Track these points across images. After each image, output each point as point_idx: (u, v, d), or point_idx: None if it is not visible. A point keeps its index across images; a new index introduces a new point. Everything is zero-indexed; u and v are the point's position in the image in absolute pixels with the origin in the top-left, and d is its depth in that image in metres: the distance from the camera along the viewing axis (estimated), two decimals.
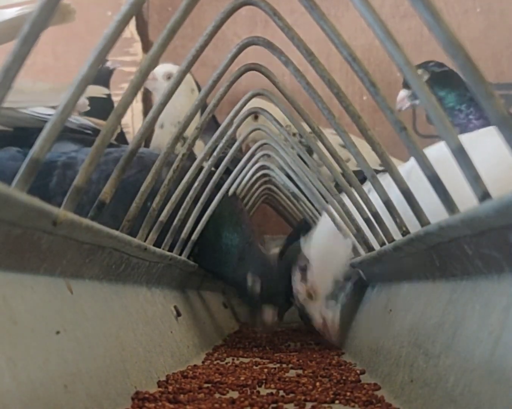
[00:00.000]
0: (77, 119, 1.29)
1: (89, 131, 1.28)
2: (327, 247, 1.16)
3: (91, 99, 1.35)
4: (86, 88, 0.53)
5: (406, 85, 1.61)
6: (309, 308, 1.19)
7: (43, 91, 1.27)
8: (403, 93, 1.62)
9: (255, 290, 1.22)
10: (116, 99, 1.76)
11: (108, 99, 1.80)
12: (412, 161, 0.90)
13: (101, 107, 1.54)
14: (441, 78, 1.54)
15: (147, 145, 1.78)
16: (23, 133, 1.23)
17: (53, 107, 1.20)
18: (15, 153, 1.20)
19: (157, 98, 0.79)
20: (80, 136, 1.26)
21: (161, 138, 1.79)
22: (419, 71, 1.57)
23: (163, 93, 0.77)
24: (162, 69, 1.80)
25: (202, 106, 0.92)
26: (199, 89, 1.79)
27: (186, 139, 0.99)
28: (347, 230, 1.09)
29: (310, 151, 1.22)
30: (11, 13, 1.05)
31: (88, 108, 1.34)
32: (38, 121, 1.22)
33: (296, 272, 1.19)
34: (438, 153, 0.64)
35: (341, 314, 1.19)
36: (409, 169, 0.89)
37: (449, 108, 1.52)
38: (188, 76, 1.84)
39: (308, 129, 1.00)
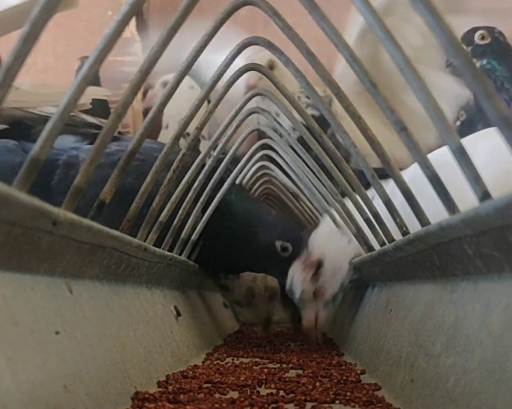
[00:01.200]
0: (79, 117, 1.29)
1: (92, 128, 1.28)
2: (337, 249, 1.13)
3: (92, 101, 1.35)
4: (86, 88, 0.53)
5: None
6: (306, 306, 1.17)
7: (46, 94, 1.27)
8: None
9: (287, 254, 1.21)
10: (116, 99, 1.76)
11: (105, 101, 1.80)
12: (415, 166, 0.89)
13: (99, 109, 1.54)
14: (501, 49, 1.50)
15: None
16: (18, 129, 1.23)
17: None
18: (12, 146, 1.21)
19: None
20: (81, 130, 1.26)
21: (166, 138, 1.80)
22: (481, 32, 1.52)
23: (163, 93, 0.77)
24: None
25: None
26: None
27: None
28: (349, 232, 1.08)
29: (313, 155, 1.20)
30: (13, 0, 1.05)
31: (90, 106, 1.34)
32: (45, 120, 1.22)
33: (305, 269, 1.14)
34: (438, 153, 0.64)
35: (334, 314, 1.18)
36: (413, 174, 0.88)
37: (499, 81, 1.50)
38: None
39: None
